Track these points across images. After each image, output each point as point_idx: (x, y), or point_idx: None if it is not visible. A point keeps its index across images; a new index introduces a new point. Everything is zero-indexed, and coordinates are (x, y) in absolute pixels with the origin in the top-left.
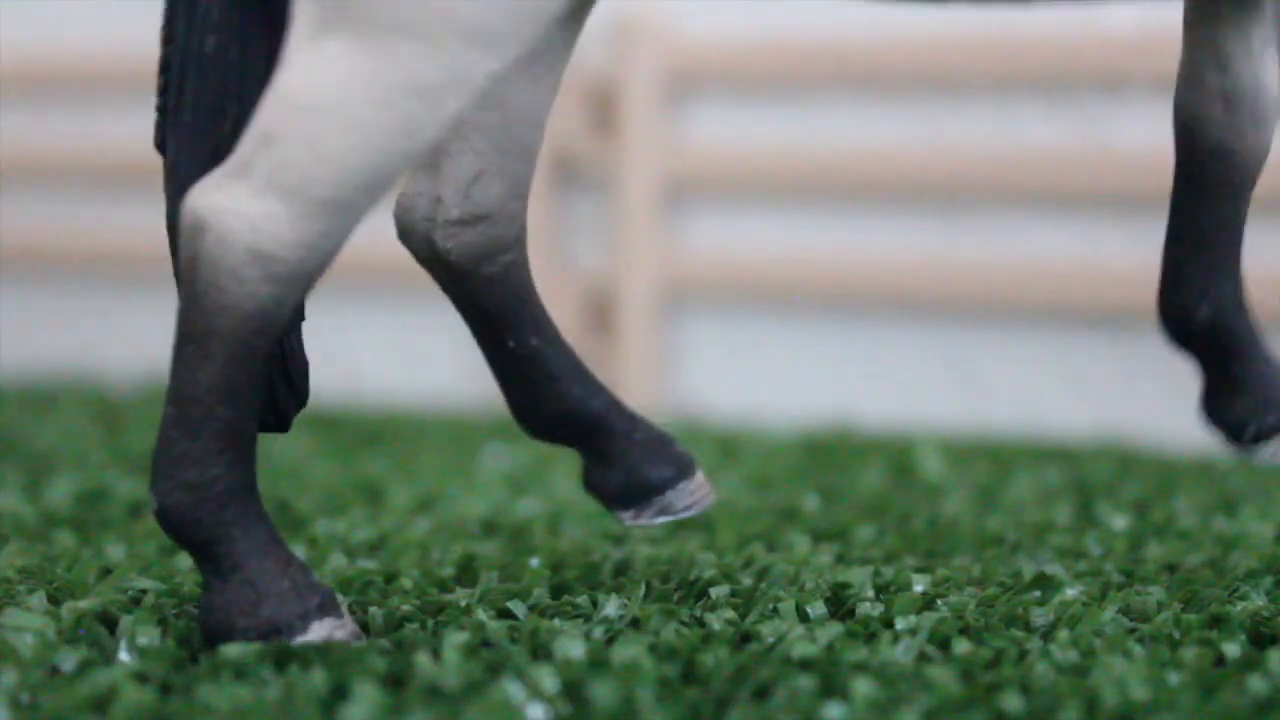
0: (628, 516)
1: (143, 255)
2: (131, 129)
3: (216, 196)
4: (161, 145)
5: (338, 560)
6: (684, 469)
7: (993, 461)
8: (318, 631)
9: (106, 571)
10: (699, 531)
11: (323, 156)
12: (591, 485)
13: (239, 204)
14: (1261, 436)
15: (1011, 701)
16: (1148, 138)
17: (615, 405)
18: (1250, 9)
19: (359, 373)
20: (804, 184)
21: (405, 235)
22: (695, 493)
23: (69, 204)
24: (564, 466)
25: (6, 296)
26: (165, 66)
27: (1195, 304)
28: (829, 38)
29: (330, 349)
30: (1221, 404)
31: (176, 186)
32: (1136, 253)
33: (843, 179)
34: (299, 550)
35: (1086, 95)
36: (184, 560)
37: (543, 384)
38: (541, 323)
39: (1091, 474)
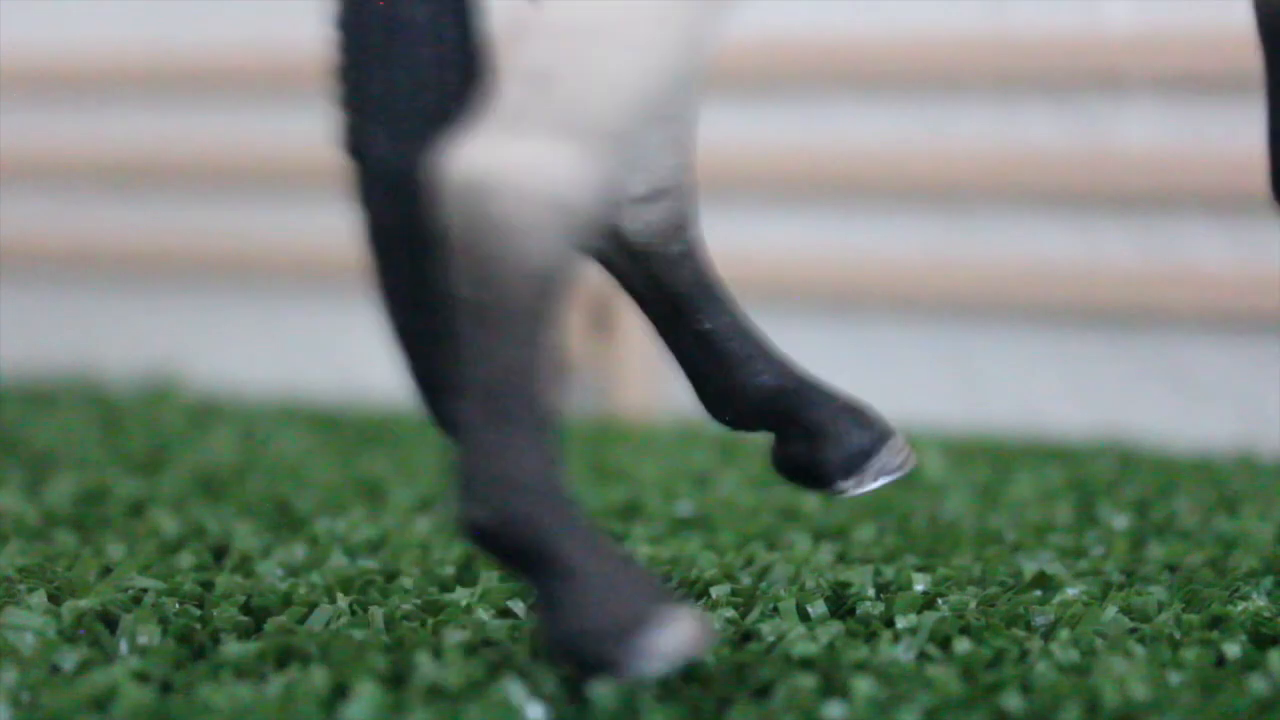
0: (850, 485)
1: (144, 254)
2: (134, 128)
3: (498, 153)
4: (358, 146)
5: (338, 559)
6: (886, 429)
7: (993, 461)
8: (680, 627)
9: (107, 570)
10: (699, 531)
11: (615, 85)
12: (800, 464)
13: (531, 155)
14: None
15: (1012, 701)
16: (1148, 137)
17: (809, 377)
18: None
19: (359, 372)
20: (804, 183)
21: None
22: (902, 450)
23: (70, 203)
24: (565, 466)
25: (7, 295)
26: (351, 57)
27: None
28: (829, 38)
29: (331, 348)
30: None
31: (393, 179)
32: (1137, 252)
33: (843, 178)
34: (299, 549)
35: (1087, 94)
36: (184, 559)
37: (743, 365)
38: (731, 300)
39: (1092, 473)
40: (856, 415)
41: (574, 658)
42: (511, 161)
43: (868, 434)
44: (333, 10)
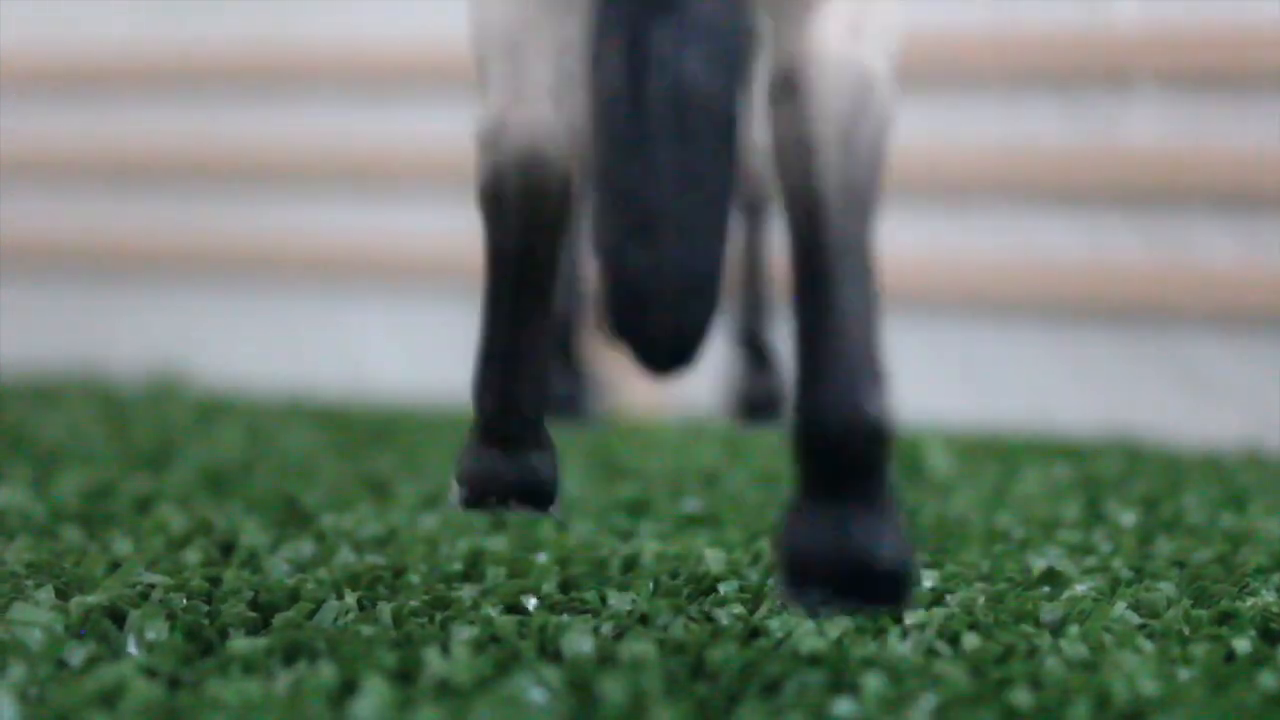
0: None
1: (151, 251)
2: (141, 124)
3: (873, 62)
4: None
5: (345, 555)
6: None
7: (1001, 458)
8: None
9: (114, 566)
10: (707, 527)
11: (898, 35)
12: None
13: (882, 70)
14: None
15: (1021, 697)
16: (1155, 134)
17: None
18: None
19: (366, 368)
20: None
21: None
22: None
23: (77, 199)
24: (570, 464)
25: (14, 292)
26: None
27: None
28: None
29: (338, 345)
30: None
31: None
32: (1144, 249)
33: None
34: (307, 545)
35: (1093, 91)
36: (191, 555)
37: None
38: None
39: (1100, 470)
40: None
41: (881, 582)
42: (878, 71)
43: None
44: None
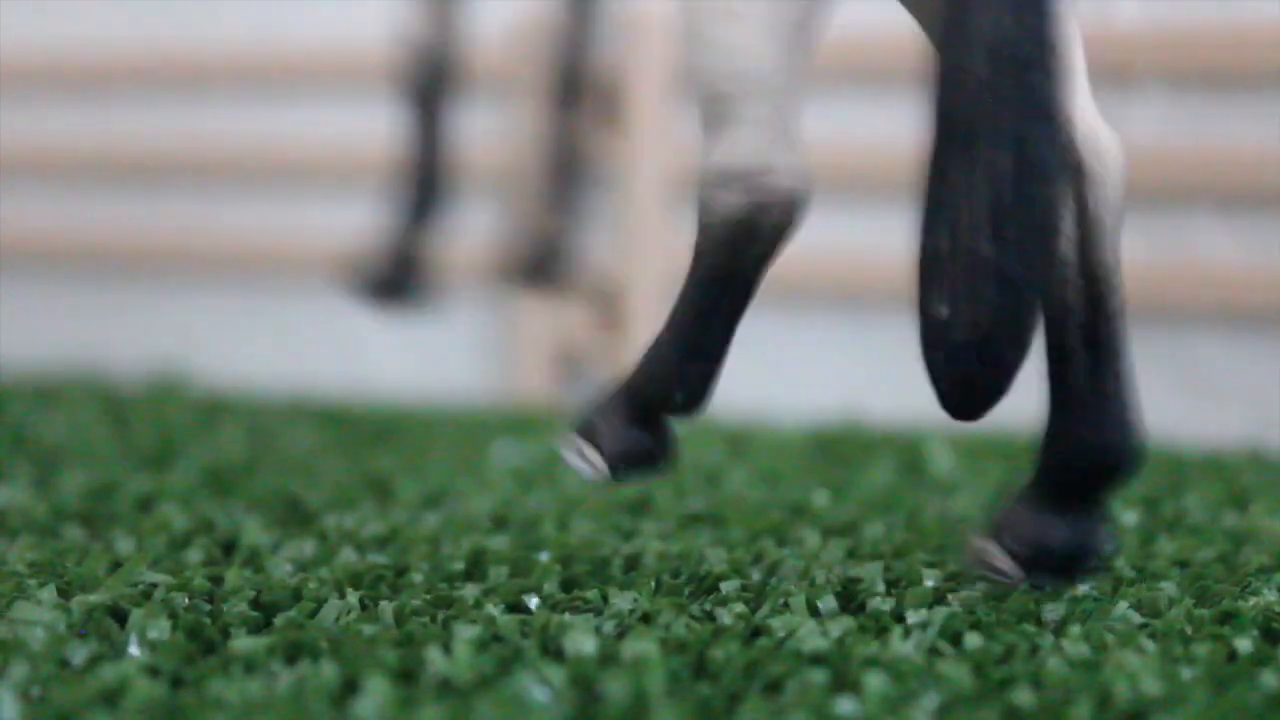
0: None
1: (153, 250)
2: (143, 124)
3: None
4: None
5: (348, 555)
6: None
7: (1002, 457)
8: None
9: (116, 565)
10: (709, 526)
11: None
12: None
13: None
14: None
15: (1023, 696)
16: (1157, 133)
17: None
18: None
19: (369, 368)
20: (810, 178)
21: None
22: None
23: (79, 199)
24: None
25: (16, 291)
26: None
27: None
28: (833, 33)
29: (338, 345)
30: None
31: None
32: (1145, 248)
33: (851, 174)
34: (309, 545)
35: (1095, 90)
36: (193, 554)
37: None
38: None
39: None
40: None
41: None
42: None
43: None
44: None
